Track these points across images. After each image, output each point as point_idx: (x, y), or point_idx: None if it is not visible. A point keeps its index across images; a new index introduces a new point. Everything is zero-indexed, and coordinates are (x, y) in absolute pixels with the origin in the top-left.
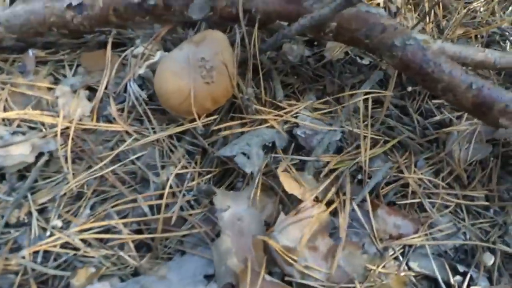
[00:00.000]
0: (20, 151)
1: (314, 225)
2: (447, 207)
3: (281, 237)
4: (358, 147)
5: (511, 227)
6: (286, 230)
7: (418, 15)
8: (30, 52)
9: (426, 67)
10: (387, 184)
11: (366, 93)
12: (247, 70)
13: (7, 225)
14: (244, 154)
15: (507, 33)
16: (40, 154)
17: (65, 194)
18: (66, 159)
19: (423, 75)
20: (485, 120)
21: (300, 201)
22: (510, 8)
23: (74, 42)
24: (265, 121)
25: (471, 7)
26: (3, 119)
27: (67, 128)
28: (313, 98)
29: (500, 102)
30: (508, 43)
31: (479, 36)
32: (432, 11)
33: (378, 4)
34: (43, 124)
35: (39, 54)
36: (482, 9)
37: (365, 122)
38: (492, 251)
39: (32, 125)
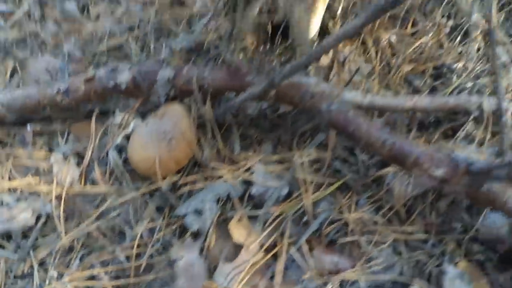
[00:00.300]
0: (24, 216)
1: (253, 268)
2: (385, 242)
3: (223, 280)
4: (306, 191)
5: (447, 257)
6: (228, 274)
7: (366, 59)
8: (28, 126)
9: (347, 127)
10: (330, 223)
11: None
12: (207, 131)
13: (14, 277)
14: (197, 211)
15: (447, 68)
16: (39, 216)
17: (59, 249)
18: (59, 219)
19: (346, 133)
20: (404, 169)
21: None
22: (458, 39)
23: (64, 113)
24: (221, 176)
25: (420, 42)
26: (9, 188)
27: (60, 193)
28: (269, 147)
29: (411, 156)
30: (454, 77)
31: (426, 70)
32: (380, 52)
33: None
34: (40, 191)
35: (35, 128)
36: (430, 42)
37: (314, 167)
38: (428, 282)
39: (33, 190)
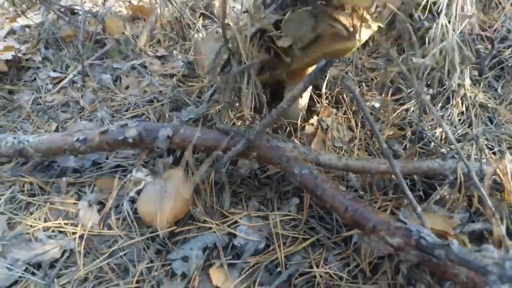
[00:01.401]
0: (53, 250)
1: None
2: None
3: None
4: (284, 244)
5: None
6: None
7: (349, 126)
8: (64, 179)
9: (316, 191)
10: (300, 275)
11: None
12: (204, 189)
13: None
14: (185, 257)
15: (426, 135)
16: (64, 251)
17: (77, 278)
18: (80, 254)
19: (315, 196)
20: (364, 234)
21: None
22: (439, 105)
23: (92, 169)
24: (211, 228)
25: (403, 108)
26: (43, 228)
27: (83, 233)
28: (255, 204)
29: (369, 222)
30: (433, 142)
31: (407, 135)
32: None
33: (312, 124)
34: (67, 231)
35: (69, 179)
36: (413, 108)
37: (292, 223)
38: None
39: (62, 229)
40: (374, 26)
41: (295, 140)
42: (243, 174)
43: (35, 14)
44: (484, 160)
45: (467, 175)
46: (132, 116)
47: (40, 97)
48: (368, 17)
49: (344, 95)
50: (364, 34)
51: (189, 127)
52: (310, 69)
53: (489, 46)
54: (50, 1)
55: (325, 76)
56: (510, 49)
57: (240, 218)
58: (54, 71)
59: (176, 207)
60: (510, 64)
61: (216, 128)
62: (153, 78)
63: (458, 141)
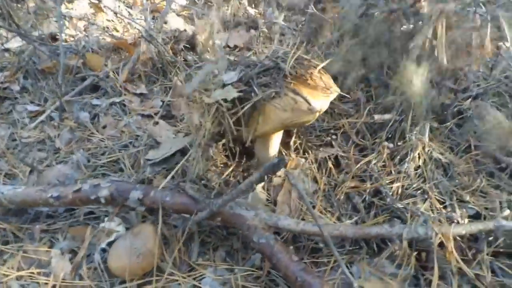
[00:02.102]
0: None
1: None
2: None
3: None
4: None
5: None
6: None
7: (314, 178)
8: (37, 225)
9: (272, 259)
10: None
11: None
12: (174, 243)
13: None
14: None
15: (384, 190)
16: None
17: None
18: None
19: (271, 263)
20: None
21: None
22: (405, 164)
23: (66, 215)
24: (177, 280)
25: (366, 159)
26: (17, 277)
27: (54, 284)
28: (223, 254)
29: None
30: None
31: (366, 191)
32: (327, 171)
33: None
34: (40, 281)
35: (42, 226)
36: (374, 161)
37: (254, 274)
38: None
39: (34, 279)
40: (334, 94)
41: (264, 192)
42: (213, 224)
43: (14, 37)
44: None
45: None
46: (107, 161)
47: (16, 133)
48: (329, 85)
49: (310, 146)
50: (325, 105)
51: (158, 191)
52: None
53: (452, 96)
54: (26, 33)
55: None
56: (470, 99)
57: (207, 270)
58: (32, 103)
59: (145, 263)
60: (469, 115)
61: (185, 193)
62: (131, 119)
63: (413, 196)
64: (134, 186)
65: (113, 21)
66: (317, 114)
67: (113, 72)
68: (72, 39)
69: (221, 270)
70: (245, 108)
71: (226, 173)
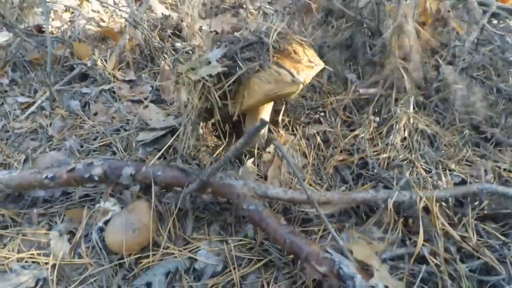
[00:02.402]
0: (27, 280)
1: None
2: None
3: None
4: (239, 265)
5: None
6: None
7: (303, 153)
8: (35, 210)
9: (261, 224)
10: None
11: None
12: (167, 218)
13: None
14: (148, 283)
15: (371, 161)
16: (38, 280)
17: None
18: (53, 283)
19: (260, 228)
20: (300, 261)
21: None
22: (384, 131)
23: (62, 199)
24: (173, 253)
25: (354, 133)
26: (17, 259)
27: (55, 263)
28: (216, 228)
29: (303, 253)
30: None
31: (354, 162)
32: (316, 145)
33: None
34: (40, 261)
35: (40, 210)
36: (361, 135)
37: (248, 246)
38: None
39: (35, 260)
40: (318, 67)
41: (255, 167)
42: (206, 200)
43: (1, 31)
44: (413, 189)
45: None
46: (100, 146)
47: (9, 124)
48: (313, 59)
49: (299, 123)
50: (308, 77)
51: (149, 166)
52: (266, 105)
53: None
54: (12, 25)
55: (284, 103)
56: (456, 71)
57: (201, 244)
58: (22, 95)
59: (140, 237)
60: (454, 89)
61: (175, 166)
62: (121, 105)
63: (399, 166)
64: (126, 163)
65: (98, 11)
66: (301, 86)
67: (101, 60)
68: (58, 30)
69: (215, 243)
70: (230, 81)
71: (217, 152)
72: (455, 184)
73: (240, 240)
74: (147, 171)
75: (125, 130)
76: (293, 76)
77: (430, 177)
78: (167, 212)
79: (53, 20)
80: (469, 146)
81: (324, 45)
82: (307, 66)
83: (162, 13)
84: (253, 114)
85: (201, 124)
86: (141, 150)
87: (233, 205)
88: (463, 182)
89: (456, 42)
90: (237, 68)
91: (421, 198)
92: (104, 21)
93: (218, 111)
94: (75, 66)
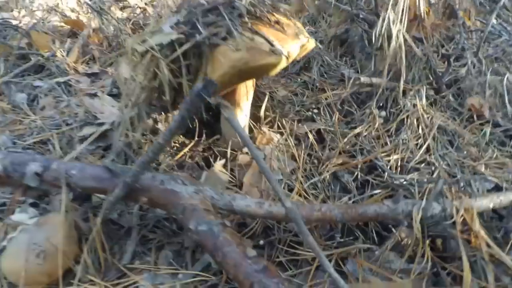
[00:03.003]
0: None
1: None
2: None
3: None
4: None
5: None
6: None
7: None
8: None
9: (216, 255)
10: None
11: None
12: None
13: None
14: None
15: (381, 164)
16: None
17: None
18: None
19: (216, 262)
20: None
21: None
22: (393, 128)
23: None
24: None
25: (354, 132)
26: None
27: None
28: (169, 255)
29: None
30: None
31: (358, 167)
32: (308, 146)
33: None
34: None
35: None
36: (365, 133)
37: (208, 283)
38: None
39: None
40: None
41: (226, 172)
42: (160, 214)
43: None
44: (445, 199)
45: (425, 218)
46: (34, 142)
47: None
48: (298, 28)
49: (287, 120)
50: (293, 51)
51: (62, 163)
52: (243, 90)
53: (445, 64)
54: None
55: (269, 97)
56: (466, 67)
57: (142, 276)
58: None
59: (49, 264)
60: (467, 82)
61: (101, 165)
62: (73, 98)
63: (416, 169)
64: (33, 157)
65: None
66: (283, 60)
67: (61, 52)
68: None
69: (163, 277)
70: (184, 48)
71: (182, 153)
72: (488, 191)
73: (197, 275)
74: (59, 169)
75: (67, 124)
76: (272, 45)
77: (456, 182)
78: (96, 231)
79: (12, 10)
80: (494, 145)
81: (316, 40)
82: (292, 38)
83: (137, 5)
84: (229, 102)
85: (159, 117)
86: (81, 148)
87: (176, 222)
88: (497, 188)
89: (463, 34)
90: (197, 35)
91: (458, 211)
92: (74, 12)
93: (170, 94)
94: (30, 57)
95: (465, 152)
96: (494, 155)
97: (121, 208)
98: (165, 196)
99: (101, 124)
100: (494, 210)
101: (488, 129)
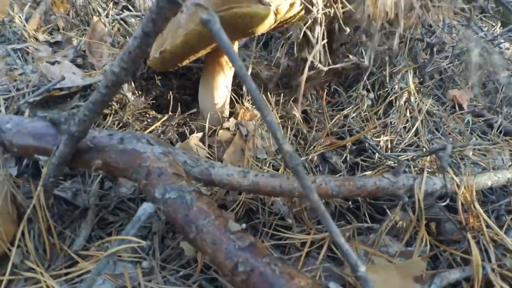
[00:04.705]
0: None
1: None
2: None
3: None
4: None
5: None
6: None
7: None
8: None
9: (188, 231)
10: None
11: None
12: (40, 218)
13: None
14: None
15: (369, 142)
16: None
17: None
18: None
19: (187, 239)
20: None
21: None
22: (381, 110)
23: None
24: (38, 282)
25: (343, 113)
26: None
27: None
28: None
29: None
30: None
31: (347, 145)
32: (294, 126)
33: None
34: None
35: None
36: (353, 114)
37: (179, 274)
38: None
39: None
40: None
41: (204, 147)
42: (125, 193)
43: None
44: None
45: (427, 195)
46: None
47: None
48: None
49: (273, 95)
50: (282, 7)
51: None
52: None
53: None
54: None
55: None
56: (448, 59)
57: (95, 265)
58: None
59: None
60: (449, 74)
61: (44, 116)
62: (28, 66)
63: (405, 151)
64: None
65: None
66: (271, 14)
67: (20, 18)
68: None
69: (123, 264)
70: None
71: (153, 127)
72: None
73: (166, 261)
74: None
75: (18, 90)
76: None
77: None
78: (40, 208)
79: None
80: (477, 134)
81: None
82: None
83: None
84: (208, 70)
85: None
86: (29, 113)
87: (142, 192)
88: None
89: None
90: None
91: (458, 187)
92: None
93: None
94: None
95: (450, 139)
96: (478, 142)
97: (77, 186)
98: (125, 158)
99: (60, 89)
100: (484, 194)
101: (470, 118)
